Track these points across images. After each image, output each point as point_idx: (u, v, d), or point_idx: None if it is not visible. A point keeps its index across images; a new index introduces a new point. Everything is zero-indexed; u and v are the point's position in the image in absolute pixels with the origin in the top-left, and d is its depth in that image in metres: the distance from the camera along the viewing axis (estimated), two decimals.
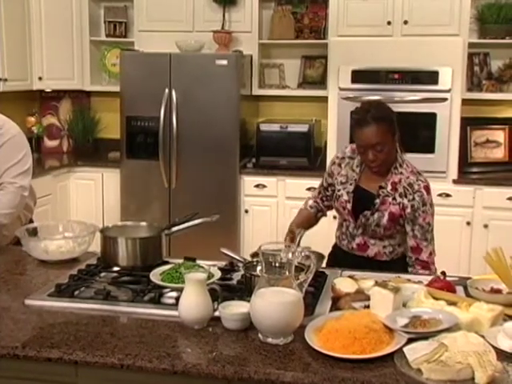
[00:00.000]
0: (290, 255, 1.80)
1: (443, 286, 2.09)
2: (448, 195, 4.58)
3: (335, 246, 2.84)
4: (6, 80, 4.80)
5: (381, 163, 2.59)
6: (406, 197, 2.60)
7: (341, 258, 2.73)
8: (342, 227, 2.76)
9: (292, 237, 2.56)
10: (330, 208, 2.88)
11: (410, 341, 1.70)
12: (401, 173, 2.63)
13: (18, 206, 2.79)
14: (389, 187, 2.61)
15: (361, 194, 2.67)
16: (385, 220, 2.60)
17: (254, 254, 2.29)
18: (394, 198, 2.60)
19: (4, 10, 4.74)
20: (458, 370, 1.55)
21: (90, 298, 2.06)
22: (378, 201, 2.62)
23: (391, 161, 2.63)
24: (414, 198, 2.59)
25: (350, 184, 2.69)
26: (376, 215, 2.61)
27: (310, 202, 2.89)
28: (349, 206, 2.68)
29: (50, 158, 5.39)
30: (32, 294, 2.10)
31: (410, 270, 2.61)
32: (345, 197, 2.69)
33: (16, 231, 2.60)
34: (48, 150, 5.63)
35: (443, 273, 2.25)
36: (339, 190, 2.71)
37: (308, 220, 2.85)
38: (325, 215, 2.92)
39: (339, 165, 2.76)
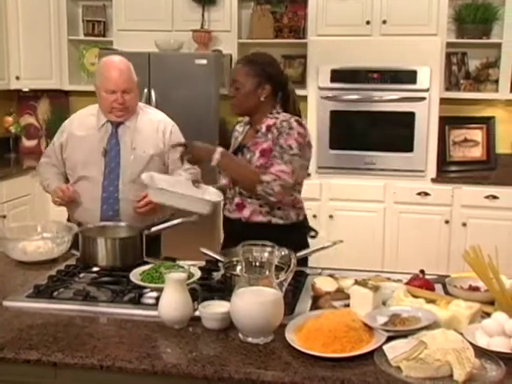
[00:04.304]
0: (266, 254, 1.80)
1: (422, 284, 2.11)
2: (427, 194, 4.61)
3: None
4: None
5: (236, 103, 2.63)
6: (277, 130, 2.59)
7: (224, 225, 2.76)
8: (228, 193, 2.73)
9: None
10: None
11: (389, 339, 1.71)
12: (276, 117, 2.62)
13: None
14: (263, 129, 2.62)
15: (239, 150, 2.69)
16: (256, 157, 2.57)
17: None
18: (267, 139, 2.59)
19: None
20: (437, 368, 1.56)
21: (69, 299, 2.05)
22: (249, 143, 2.64)
23: (248, 107, 2.63)
24: (282, 126, 2.59)
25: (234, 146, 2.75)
26: (248, 155, 2.60)
27: None
28: None
29: (28, 158, 5.33)
30: (10, 296, 2.08)
31: None
32: None
33: None
34: (26, 150, 5.57)
35: (422, 271, 2.27)
36: None
37: None
38: None
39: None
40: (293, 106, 2.70)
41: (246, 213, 2.63)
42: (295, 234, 2.63)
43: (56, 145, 3.08)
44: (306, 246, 2.63)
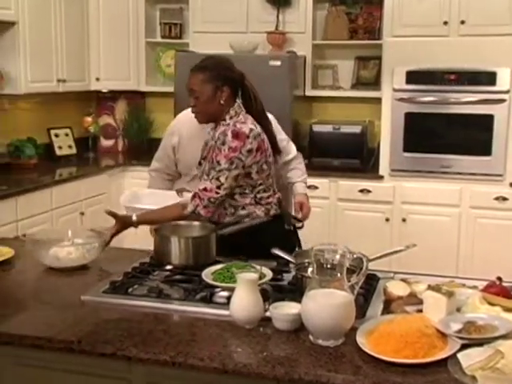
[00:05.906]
0: (338, 256, 1.79)
1: (499, 291, 2.04)
2: (505, 199, 4.47)
3: None
4: (64, 81, 4.91)
5: (198, 112, 2.65)
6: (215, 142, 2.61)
7: None
8: None
9: None
10: None
11: (463, 347, 1.67)
12: (228, 124, 2.60)
13: None
14: (216, 137, 2.61)
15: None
16: (208, 166, 2.61)
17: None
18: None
19: (64, 12, 4.86)
20: None
21: (144, 296, 2.09)
22: (205, 151, 2.67)
23: (211, 113, 2.63)
24: (218, 138, 2.58)
25: None
26: (205, 164, 2.64)
27: None
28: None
29: (106, 157, 5.50)
30: (88, 291, 2.14)
31: None
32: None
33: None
34: (104, 149, 5.74)
35: (499, 278, 2.20)
36: None
37: None
38: None
39: None
40: (254, 102, 2.70)
41: (215, 215, 2.65)
42: (272, 228, 2.64)
43: (168, 148, 3.17)
44: (288, 237, 2.73)
